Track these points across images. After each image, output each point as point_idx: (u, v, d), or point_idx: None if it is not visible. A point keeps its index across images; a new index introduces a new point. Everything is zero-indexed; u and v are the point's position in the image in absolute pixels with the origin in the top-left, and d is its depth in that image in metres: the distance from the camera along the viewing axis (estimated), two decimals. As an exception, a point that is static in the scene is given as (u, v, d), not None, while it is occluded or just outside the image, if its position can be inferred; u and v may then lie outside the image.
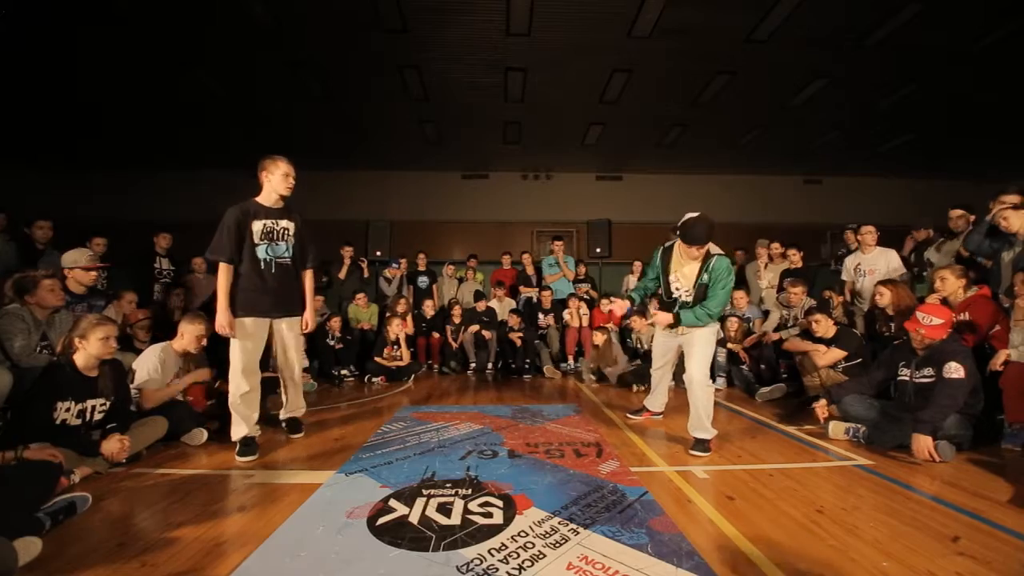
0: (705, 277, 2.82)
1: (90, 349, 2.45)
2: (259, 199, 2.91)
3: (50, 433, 2.26)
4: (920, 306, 3.02)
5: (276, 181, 2.88)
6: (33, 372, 2.62)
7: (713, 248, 2.84)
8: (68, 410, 2.37)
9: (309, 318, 3.08)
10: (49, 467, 1.98)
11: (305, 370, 4.93)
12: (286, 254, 2.93)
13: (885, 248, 4.58)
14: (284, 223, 2.93)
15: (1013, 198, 3.76)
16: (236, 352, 2.79)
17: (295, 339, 3.05)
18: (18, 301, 2.90)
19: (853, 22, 4.61)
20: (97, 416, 2.52)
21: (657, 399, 3.55)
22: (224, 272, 2.77)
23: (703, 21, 4.58)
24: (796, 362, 4.11)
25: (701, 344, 2.89)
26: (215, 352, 3.47)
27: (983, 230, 3.69)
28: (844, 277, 4.85)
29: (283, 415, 3.24)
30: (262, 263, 2.85)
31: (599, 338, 5.30)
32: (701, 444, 2.80)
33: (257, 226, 2.84)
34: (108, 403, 2.57)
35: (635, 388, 4.85)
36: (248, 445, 2.76)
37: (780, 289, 5.25)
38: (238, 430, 2.79)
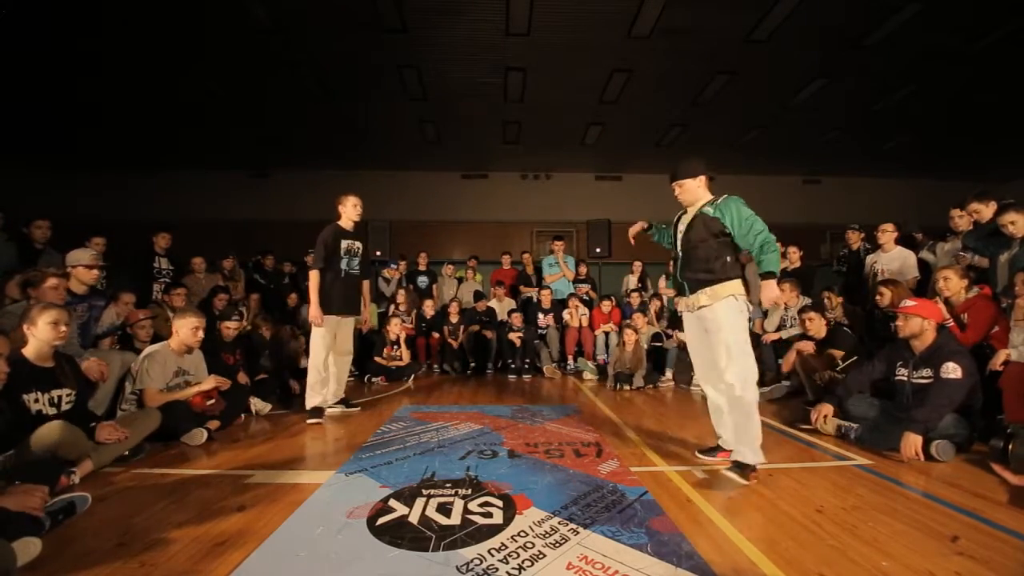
0: (699, 221, 2.42)
1: (39, 335, 2.36)
2: (341, 224, 3.78)
3: (36, 426, 2.22)
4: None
5: (349, 211, 3.78)
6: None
7: (705, 193, 2.49)
8: (37, 401, 2.33)
9: (366, 317, 4.05)
10: (49, 465, 1.98)
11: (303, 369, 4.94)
12: (357, 267, 3.84)
13: (904, 249, 4.48)
14: (357, 243, 3.85)
15: (978, 205, 3.77)
16: (319, 341, 3.64)
17: (350, 333, 3.97)
18: (22, 295, 2.98)
19: (852, 22, 4.61)
20: (65, 406, 2.44)
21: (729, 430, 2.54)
22: (317, 277, 3.64)
23: (703, 21, 4.59)
24: (795, 363, 4.11)
25: (726, 331, 2.31)
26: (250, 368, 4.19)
27: (982, 234, 3.71)
28: (865, 275, 4.74)
29: (336, 398, 3.88)
30: (343, 273, 3.74)
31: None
32: (739, 467, 2.30)
33: (344, 244, 3.75)
34: (73, 393, 2.50)
35: (619, 387, 4.87)
36: (317, 411, 3.59)
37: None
38: (312, 400, 3.62)
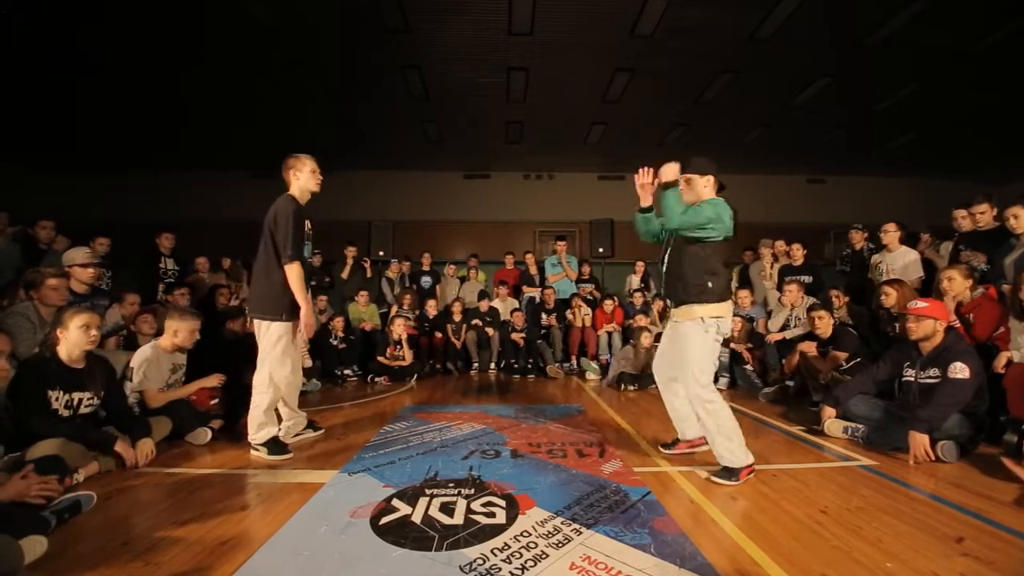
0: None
1: (71, 338, 2.41)
2: (297, 197, 2.79)
3: (56, 424, 2.27)
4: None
5: (306, 178, 2.80)
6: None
7: (710, 194, 2.42)
8: (58, 399, 2.36)
9: (308, 311, 2.79)
10: (55, 464, 1.99)
11: (308, 369, 4.94)
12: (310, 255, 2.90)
13: (909, 249, 4.45)
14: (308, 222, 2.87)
15: (983, 207, 3.76)
16: (285, 355, 2.70)
17: (301, 349, 2.93)
18: (26, 296, 3.00)
19: (855, 21, 4.60)
20: (84, 410, 2.46)
21: (690, 424, 2.69)
22: (299, 271, 2.67)
23: (706, 20, 4.58)
24: (798, 364, 4.09)
25: (685, 343, 2.37)
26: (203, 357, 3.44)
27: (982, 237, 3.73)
28: (871, 275, 4.73)
29: (299, 428, 3.02)
30: (304, 264, 2.77)
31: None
32: (726, 472, 2.28)
33: (307, 224, 2.79)
34: (96, 398, 2.52)
35: (623, 387, 4.84)
36: (278, 446, 2.72)
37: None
38: (265, 431, 2.71)
